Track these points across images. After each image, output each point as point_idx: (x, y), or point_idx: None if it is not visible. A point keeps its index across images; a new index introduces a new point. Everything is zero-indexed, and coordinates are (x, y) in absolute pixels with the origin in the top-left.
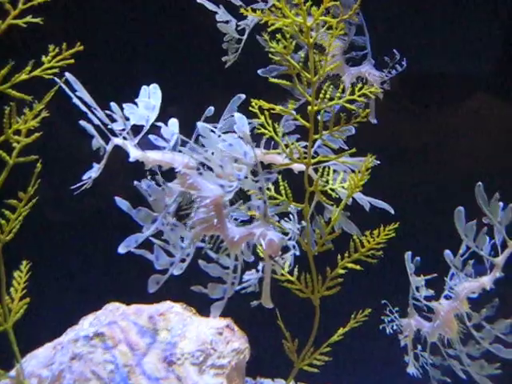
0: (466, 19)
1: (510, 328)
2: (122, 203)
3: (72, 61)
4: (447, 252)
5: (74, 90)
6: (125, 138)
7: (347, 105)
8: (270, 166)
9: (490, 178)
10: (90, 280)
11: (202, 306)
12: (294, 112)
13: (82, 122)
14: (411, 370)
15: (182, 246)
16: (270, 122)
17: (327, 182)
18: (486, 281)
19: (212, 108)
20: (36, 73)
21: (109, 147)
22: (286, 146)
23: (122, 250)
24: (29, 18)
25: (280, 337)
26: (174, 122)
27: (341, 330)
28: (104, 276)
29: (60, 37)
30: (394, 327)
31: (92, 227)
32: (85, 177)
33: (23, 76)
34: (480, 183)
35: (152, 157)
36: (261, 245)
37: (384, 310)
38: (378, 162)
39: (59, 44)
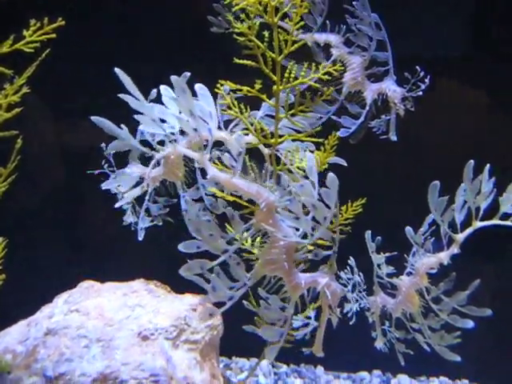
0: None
1: (466, 300)
2: (193, 228)
3: (54, 35)
4: (408, 228)
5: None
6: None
7: (314, 84)
8: None
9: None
10: (65, 258)
11: (177, 285)
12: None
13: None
14: (379, 344)
15: (245, 283)
16: (235, 102)
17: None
18: (444, 256)
19: (155, 90)
20: (18, 46)
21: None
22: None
23: (182, 248)
24: None
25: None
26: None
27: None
28: (78, 254)
29: None
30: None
31: (66, 206)
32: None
33: (4, 49)
34: (472, 161)
35: (237, 184)
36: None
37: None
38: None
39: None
